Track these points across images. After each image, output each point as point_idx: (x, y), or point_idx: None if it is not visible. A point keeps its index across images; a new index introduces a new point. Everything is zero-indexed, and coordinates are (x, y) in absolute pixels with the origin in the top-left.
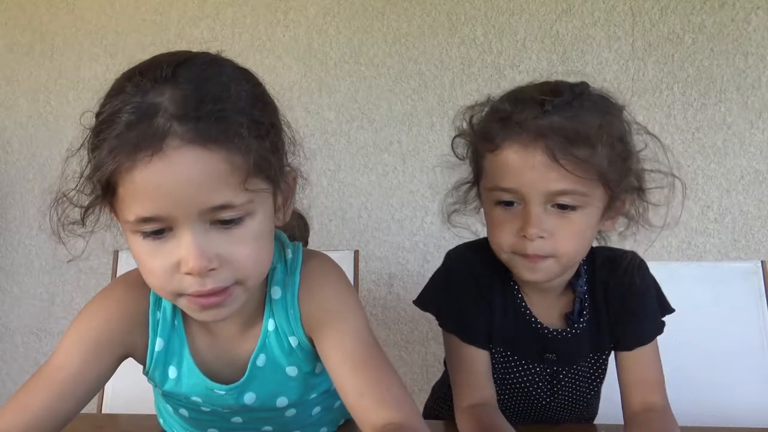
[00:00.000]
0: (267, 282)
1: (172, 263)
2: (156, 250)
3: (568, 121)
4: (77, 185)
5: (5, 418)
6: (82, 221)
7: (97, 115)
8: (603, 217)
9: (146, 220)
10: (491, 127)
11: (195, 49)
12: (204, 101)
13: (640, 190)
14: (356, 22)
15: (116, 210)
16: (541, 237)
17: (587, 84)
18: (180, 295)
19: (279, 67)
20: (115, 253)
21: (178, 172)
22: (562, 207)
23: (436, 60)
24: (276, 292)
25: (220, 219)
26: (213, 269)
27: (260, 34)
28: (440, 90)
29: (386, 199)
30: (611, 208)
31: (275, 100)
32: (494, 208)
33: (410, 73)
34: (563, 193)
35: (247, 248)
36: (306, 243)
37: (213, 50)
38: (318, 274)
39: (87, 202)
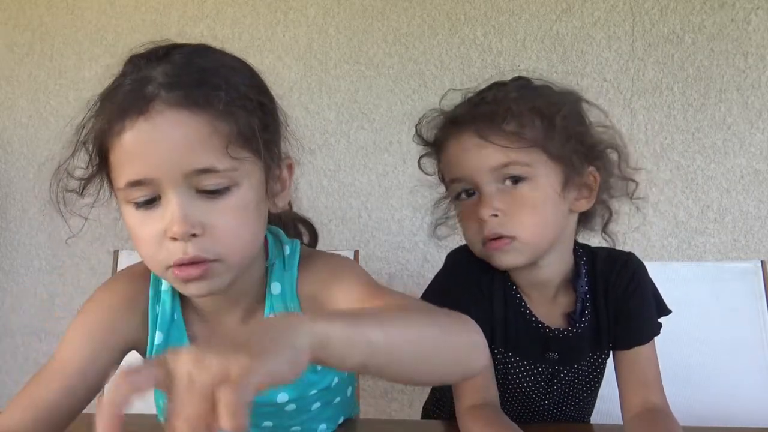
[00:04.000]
0: (266, 278)
1: (159, 230)
2: (146, 219)
3: (492, 103)
4: (74, 150)
5: (14, 414)
6: (81, 192)
7: (101, 94)
8: (569, 194)
9: (135, 183)
10: (435, 133)
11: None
12: (190, 71)
13: (596, 159)
14: (356, 22)
15: (112, 182)
16: (495, 215)
17: (527, 78)
18: (168, 267)
19: (279, 67)
20: (115, 253)
21: (162, 133)
22: (513, 182)
23: (436, 60)
24: (275, 288)
25: (206, 188)
26: (195, 235)
27: (260, 34)
28: (440, 90)
29: (386, 199)
30: (574, 184)
31: (272, 93)
32: (458, 205)
33: (410, 73)
34: (504, 165)
35: (230, 218)
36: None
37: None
38: (312, 261)
39: (86, 175)
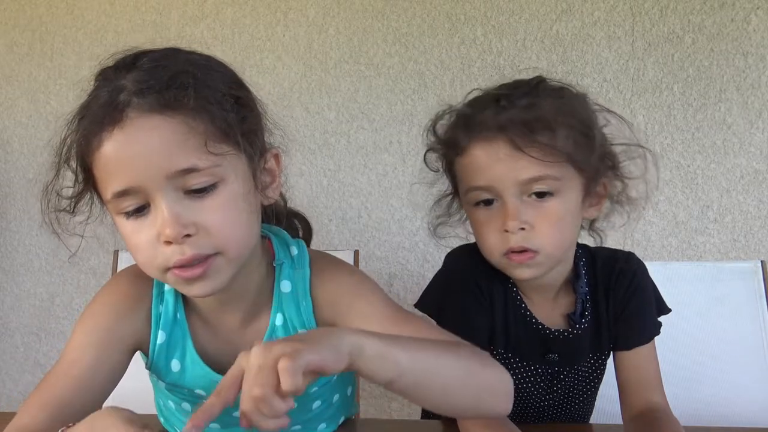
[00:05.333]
0: (274, 277)
1: (152, 236)
2: (139, 227)
3: (526, 110)
4: (57, 171)
5: (26, 417)
6: (72, 211)
7: (76, 111)
8: (584, 204)
9: (121, 194)
10: (456, 133)
11: (195, 48)
12: (159, 75)
13: (614, 169)
14: (356, 22)
15: (101, 195)
16: (522, 228)
17: (543, 77)
18: (166, 270)
19: (279, 67)
20: (115, 253)
21: (138, 140)
22: (539, 196)
23: (436, 60)
24: (285, 287)
25: (193, 188)
26: (190, 235)
27: (260, 34)
28: (440, 90)
29: (386, 199)
30: (590, 194)
31: (248, 84)
32: (474, 212)
33: (410, 73)
34: (535, 180)
35: (222, 214)
36: (308, 245)
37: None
38: (328, 263)
39: (74, 193)
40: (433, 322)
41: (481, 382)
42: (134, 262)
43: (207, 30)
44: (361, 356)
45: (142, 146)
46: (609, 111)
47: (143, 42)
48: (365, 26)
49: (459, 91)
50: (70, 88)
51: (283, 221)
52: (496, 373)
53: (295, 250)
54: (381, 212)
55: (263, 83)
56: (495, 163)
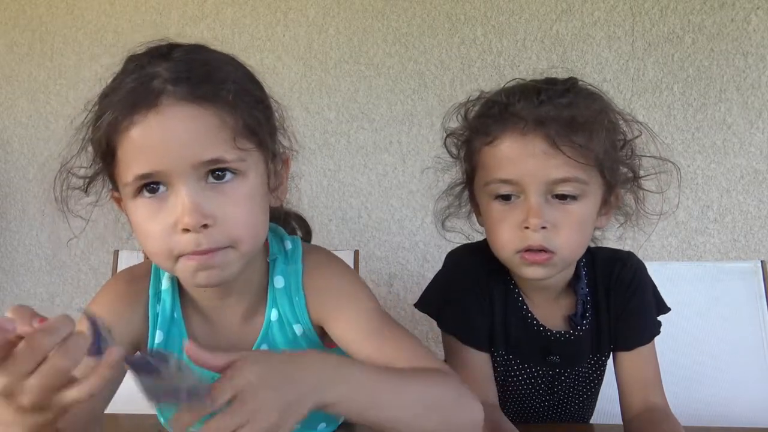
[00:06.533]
0: (268, 273)
1: (169, 224)
2: (154, 213)
3: (565, 109)
4: (80, 148)
5: None
6: (86, 190)
7: (102, 93)
8: (599, 212)
9: (143, 177)
10: (487, 120)
11: None
12: (194, 66)
13: (635, 180)
14: (356, 22)
15: (116, 180)
16: (544, 228)
17: (576, 78)
18: (177, 258)
19: (279, 67)
20: (115, 253)
21: (172, 127)
22: (562, 198)
23: (436, 60)
24: (279, 282)
25: (214, 173)
26: (207, 226)
27: (260, 34)
28: (440, 90)
29: (386, 199)
30: (606, 203)
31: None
32: (492, 204)
33: (410, 73)
34: (564, 180)
35: (239, 207)
36: None
37: None
38: (321, 260)
39: (90, 173)
40: (419, 340)
41: (449, 418)
42: (133, 263)
43: (207, 30)
44: (335, 407)
45: (173, 133)
46: (637, 122)
47: (143, 42)
48: (365, 26)
49: (459, 91)
50: (70, 88)
51: (288, 224)
52: (466, 412)
53: (289, 245)
54: (381, 212)
55: (263, 83)
56: (527, 157)
